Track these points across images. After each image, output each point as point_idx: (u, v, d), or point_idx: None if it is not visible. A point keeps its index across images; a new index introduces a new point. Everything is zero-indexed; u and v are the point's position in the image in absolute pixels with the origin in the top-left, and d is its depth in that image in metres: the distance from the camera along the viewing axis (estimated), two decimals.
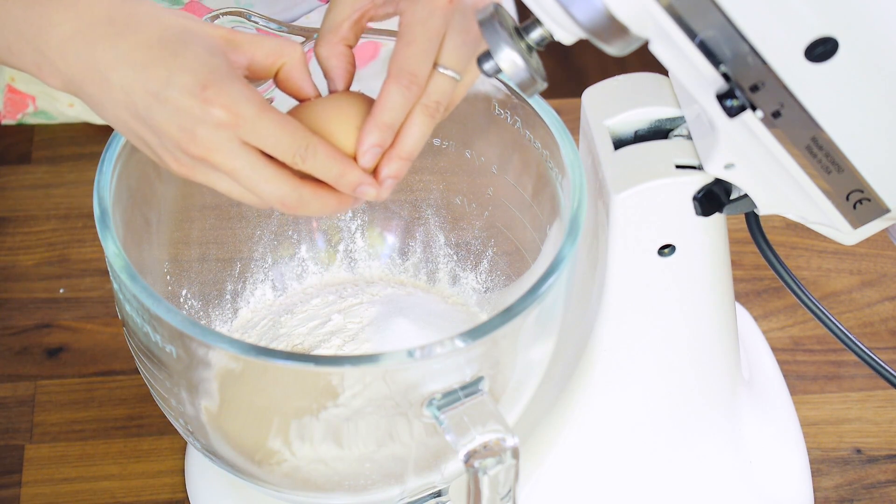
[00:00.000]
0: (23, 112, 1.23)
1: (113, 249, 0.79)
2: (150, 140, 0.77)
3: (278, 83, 0.81)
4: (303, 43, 0.87)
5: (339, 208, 0.79)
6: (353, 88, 0.83)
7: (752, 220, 0.87)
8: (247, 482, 0.86)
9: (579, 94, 0.91)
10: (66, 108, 1.22)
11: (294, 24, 0.88)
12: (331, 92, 0.82)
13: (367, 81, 0.85)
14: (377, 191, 0.79)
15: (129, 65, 0.75)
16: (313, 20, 1.13)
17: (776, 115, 0.76)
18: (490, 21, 0.76)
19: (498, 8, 0.76)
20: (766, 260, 0.87)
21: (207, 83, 0.75)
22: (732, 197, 0.85)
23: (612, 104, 0.88)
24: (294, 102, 0.81)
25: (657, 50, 0.75)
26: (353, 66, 0.83)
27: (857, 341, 0.88)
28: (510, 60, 0.76)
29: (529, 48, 0.77)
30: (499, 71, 0.77)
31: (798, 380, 1.08)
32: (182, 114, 0.75)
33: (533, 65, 0.76)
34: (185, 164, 0.77)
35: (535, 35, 0.76)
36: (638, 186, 0.84)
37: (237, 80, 0.76)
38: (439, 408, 0.77)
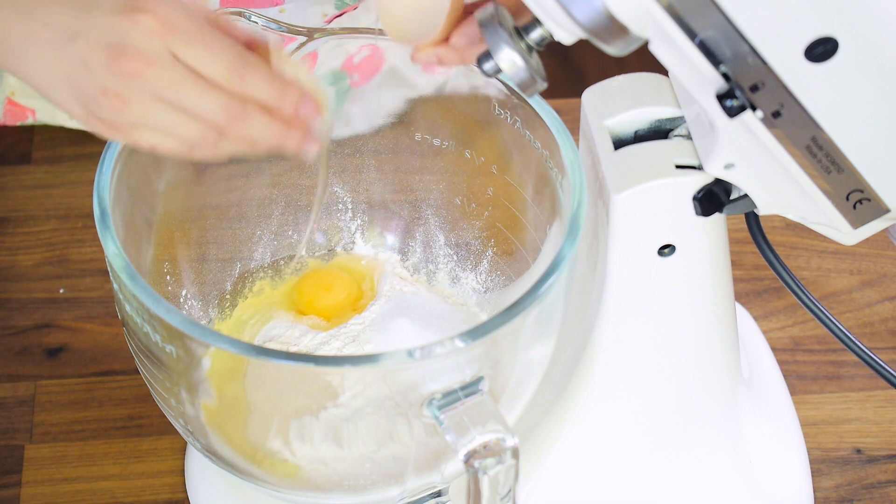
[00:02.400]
0: (22, 122, 1.23)
1: (113, 249, 0.79)
2: (82, 76, 0.71)
3: None
4: (305, 42, 0.87)
5: (286, 135, 0.74)
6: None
7: (752, 220, 0.87)
8: (247, 482, 0.86)
9: (579, 94, 0.91)
10: (66, 121, 1.22)
11: (294, 24, 0.87)
12: None
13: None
14: (320, 116, 0.75)
15: None
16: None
17: (776, 115, 0.76)
18: (490, 21, 0.76)
19: (498, 8, 0.76)
20: (766, 260, 0.87)
21: None
22: (732, 197, 0.85)
23: (612, 104, 0.88)
24: None
25: (657, 50, 0.75)
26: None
27: (857, 341, 0.88)
28: (510, 60, 0.76)
29: (529, 48, 0.77)
30: (499, 71, 0.77)
31: (798, 380, 1.08)
32: (110, 28, 0.70)
33: (533, 65, 0.76)
34: (113, 101, 0.71)
35: (535, 35, 0.76)
36: (638, 186, 0.84)
37: None
38: (439, 408, 0.77)
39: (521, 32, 0.77)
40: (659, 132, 0.88)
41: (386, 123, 0.95)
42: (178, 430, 0.86)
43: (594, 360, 0.91)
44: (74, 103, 0.73)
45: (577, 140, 0.88)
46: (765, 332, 1.09)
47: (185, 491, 1.00)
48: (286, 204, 0.97)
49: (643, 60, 1.05)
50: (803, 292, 0.87)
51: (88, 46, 0.71)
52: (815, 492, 1.01)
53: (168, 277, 0.92)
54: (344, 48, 0.90)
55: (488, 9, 0.76)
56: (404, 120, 0.94)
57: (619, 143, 0.87)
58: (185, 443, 1.02)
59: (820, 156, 0.79)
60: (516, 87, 0.77)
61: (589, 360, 0.91)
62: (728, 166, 0.82)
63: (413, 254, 0.98)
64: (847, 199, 0.82)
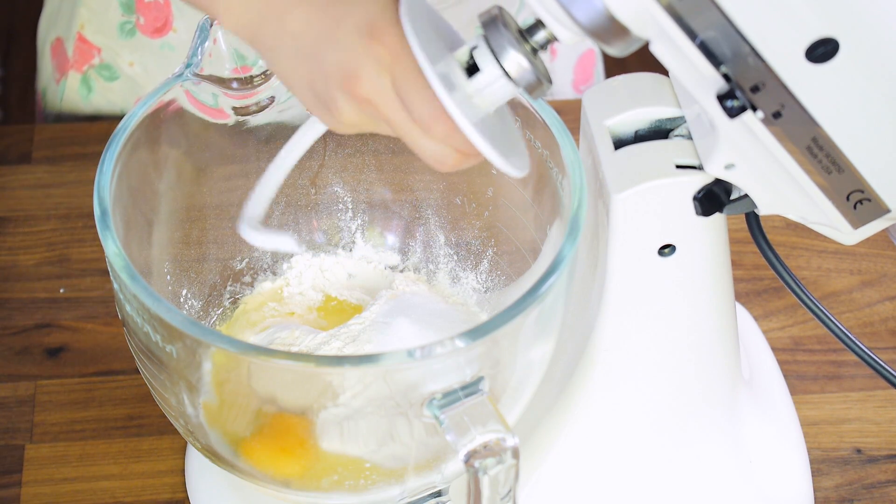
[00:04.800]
0: (89, 63, 1.22)
1: (113, 249, 0.79)
2: (319, 84, 0.77)
3: None
4: None
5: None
6: None
7: (752, 220, 0.87)
8: (247, 482, 0.86)
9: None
10: (126, 67, 1.21)
11: None
12: None
13: None
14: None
15: (306, 7, 0.77)
16: None
17: (776, 115, 0.76)
18: (494, 23, 0.75)
19: (501, 10, 0.76)
20: (767, 260, 0.87)
21: (375, 23, 0.75)
22: (732, 197, 0.85)
23: (612, 104, 0.88)
24: None
25: (657, 50, 0.75)
26: None
27: (857, 341, 0.88)
28: (517, 63, 0.75)
29: (534, 50, 0.76)
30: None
31: (798, 380, 1.08)
32: (348, 52, 0.76)
33: (539, 67, 0.76)
34: (337, 113, 0.77)
35: (539, 37, 0.76)
36: (638, 186, 0.84)
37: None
38: (439, 408, 0.77)
39: (524, 35, 0.76)
40: (659, 132, 0.88)
41: None
42: (178, 430, 0.86)
43: (594, 360, 0.91)
44: (310, 99, 0.79)
45: (577, 140, 0.88)
46: (765, 332, 1.09)
47: (185, 491, 1.00)
48: (286, 204, 0.97)
49: (643, 60, 1.05)
50: (803, 292, 0.87)
51: (328, 64, 0.76)
52: (815, 492, 1.01)
53: (168, 277, 0.92)
54: None
55: (492, 10, 0.76)
56: None
57: (619, 143, 0.87)
58: (185, 443, 1.02)
59: (820, 156, 0.79)
60: (523, 90, 0.76)
61: (589, 360, 0.91)
62: (728, 166, 0.82)
63: (413, 254, 0.98)
64: (847, 199, 0.82)
